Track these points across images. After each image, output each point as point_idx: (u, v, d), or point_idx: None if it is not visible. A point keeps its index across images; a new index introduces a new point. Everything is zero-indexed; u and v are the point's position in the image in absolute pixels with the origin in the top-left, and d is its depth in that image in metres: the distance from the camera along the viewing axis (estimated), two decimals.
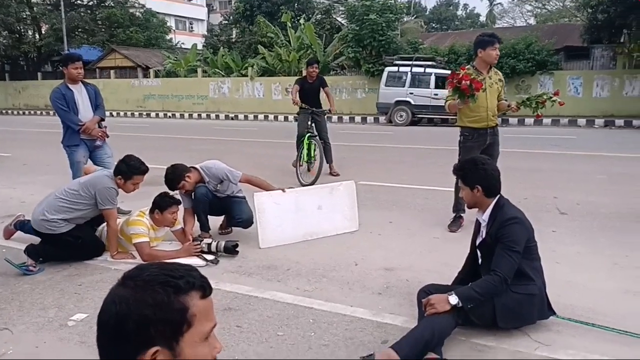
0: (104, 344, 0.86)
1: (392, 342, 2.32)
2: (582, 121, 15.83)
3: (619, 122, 15.34)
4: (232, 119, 21.00)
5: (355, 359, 2.29)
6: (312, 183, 6.06)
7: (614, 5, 15.39)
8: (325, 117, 7.31)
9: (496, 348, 2.41)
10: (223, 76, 23.86)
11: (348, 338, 2.53)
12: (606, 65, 18.38)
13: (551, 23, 29.24)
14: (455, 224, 4.44)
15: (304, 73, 7.56)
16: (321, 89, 7.19)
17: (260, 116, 20.82)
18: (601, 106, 17.03)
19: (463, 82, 3.89)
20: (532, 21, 35.49)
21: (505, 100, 4.45)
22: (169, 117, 22.68)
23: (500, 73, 4.46)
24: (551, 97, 4.13)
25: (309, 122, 6.87)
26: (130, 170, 3.69)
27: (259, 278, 3.38)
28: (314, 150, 6.76)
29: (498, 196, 2.70)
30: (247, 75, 22.84)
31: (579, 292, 3.08)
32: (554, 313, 2.60)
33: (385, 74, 16.89)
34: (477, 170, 2.70)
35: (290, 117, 19.85)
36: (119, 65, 27.54)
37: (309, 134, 6.71)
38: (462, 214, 4.43)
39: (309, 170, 6.81)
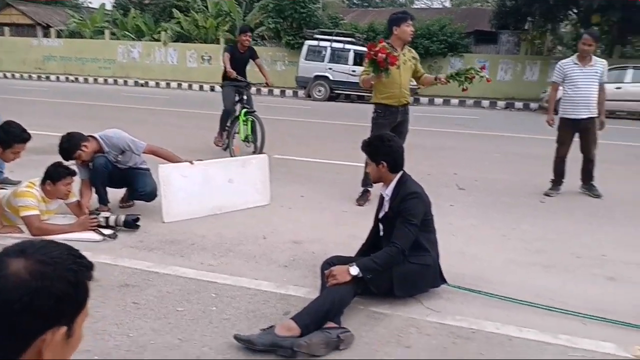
0: (7, 318, 0.79)
1: (294, 313, 2.35)
2: (485, 103, 16.87)
3: (519, 104, 16.56)
4: (142, 85, 19.84)
5: (254, 333, 2.29)
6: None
7: None
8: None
9: (392, 315, 2.53)
10: (133, 39, 22.41)
11: (250, 311, 2.53)
12: (511, 50, 19.69)
13: (465, 7, 30.58)
14: (363, 198, 4.57)
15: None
16: (251, 61, 6.66)
17: (173, 84, 19.89)
18: (504, 89, 18.24)
19: (379, 54, 3.93)
20: (447, 3, 36.91)
21: (431, 74, 4.60)
22: (72, 81, 20.91)
23: (413, 51, 4.54)
24: (479, 72, 4.23)
25: (237, 96, 6.37)
26: (9, 137, 3.36)
27: (160, 253, 3.26)
28: (252, 127, 6.21)
29: (401, 172, 2.80)
30: (159, 40, 21.63)
31: (470, 262, 3.31)
32: (445, 282, 2.78)
33: (305, 48, 16.79)
34: (383, 147, 2.77)
35: (206, 87, 19.20)
36: (16, 22, 24.86)
37: (245, 110, 6.16)
38: (369, 188, 4.57)
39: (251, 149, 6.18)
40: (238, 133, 6.25)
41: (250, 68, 6.65)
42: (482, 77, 4.23)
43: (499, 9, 18.36)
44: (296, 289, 2.78)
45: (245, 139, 6.17)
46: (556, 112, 5.29)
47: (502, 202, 4.87)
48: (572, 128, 5.11)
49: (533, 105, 16.11)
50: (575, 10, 16.98)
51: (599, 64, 5.01)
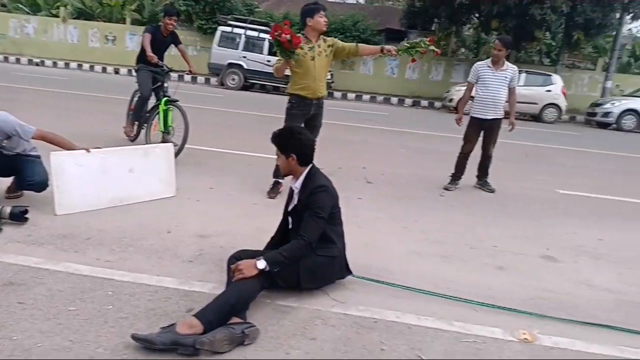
0: None
1: (198, 310, 2.27)
2: (394, 100, 17.59)
3: (424, 102, 17.46)
4: (37, 64, 18.16)
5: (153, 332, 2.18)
6: (176, 155, 5.01)
7: None
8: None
9: (298, 308, 2.54)
10: (28, 13, 20.38)
11: (150, 309, 2.41)
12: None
13: (377, 4, 31.51)
14: (274, 190, 4.55)
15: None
16: (173, 46, 6.12)
17: (73, 64, 18.42)
18: (411, 87, 19.15)
19: (283, 35, 3.87)
20: (361, 0, 37.75)
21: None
22: None
23: (329, 39, 4.44)
24: (429, 46, 4.25)
25: (155, 82, 5.84)
26: None
27: (52, 248, 2.99)
28: (172, 118, 5.66)
29: (311, 165, 2.80)
30: (58, 16, 19.86)
31: (375, 253, 3.43)
32: (350, 273, 2.85)
33: (218, 34, 16.34)
34: (293, 140, 2.76)
35: (110, 69, 18.01)
36: None
37: (166, 99, 5.62)
38: (280, 180, 4.55)
39: (164, 141, 5.43)
40: (156, 123, 5.74)
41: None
42: (432, 50, 4.27)
43: (409, 8, 19.16)
44: (201, 284, 2.70)
45: (165, 130, 5.63)
46: (456, 110, 5.62)
47: (406, 195, 5.10)
48: (479, 127, 5.47)
49: (437, 103, 17.07)
50: (477, 15, 18.20)
51: (510, 70, 5.40)
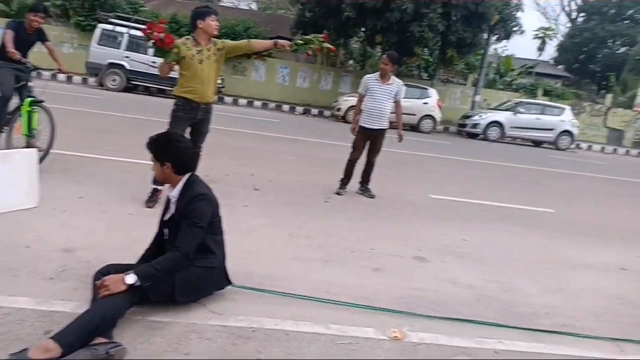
0: None
1: (56, 331, 2.07)
2: (286, 107, 17.80)
3: (315, 111, 17.90)
4: None
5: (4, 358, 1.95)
6: (41, 161, 4.58)
7: (318, 6, 17.66)
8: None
9: (172, 323, 2.43)
10: None
11: (0, 334, 2.14)
12: (309, 59, 21.10)
13: (269, 12, 31.73)
14: (152, 199, 4.32)
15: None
16: (40, 44, 5.50)
17: None
18: (302, 95, 19.53)
19: (155, 33, 3.78)
20: (254, 6, 37.70)
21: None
22: None
23: (219, 41, 4.29)
24: (322, 42, 4.24)
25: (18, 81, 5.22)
26: None
27: None
28: (37, 120, 5.11)
29: (190, 174, 2.71)
30: None
31: (259, 261, 3.41)
32: (230, 283, 2.80)
33: (98, 31, 15.24)
34: (169, 147, 2.64)
35: None
36: None
37: (30, 99, 5.06)
38: (160, 188, 4.34)
39: (28, 146, 4.92)
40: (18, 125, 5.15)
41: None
42: (326, 47, 4.30)
43: (299, 18, 19.53)
44: (63, 303, 2.46)
45: (29, 134, 5.08)
46: (344, 119, 5.84)
47: (293, 201, 5.16)
48: (366, 136, 5.74)
49: (327, 112, 17.59)
50: (364, 29, 19.12)
51: (396, 84, 5.73)
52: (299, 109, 17.87)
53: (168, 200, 2.77)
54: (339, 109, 15.85)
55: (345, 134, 5.91)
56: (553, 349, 2.68)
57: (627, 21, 33.14)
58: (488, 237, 4.77)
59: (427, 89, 16.94)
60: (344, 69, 22.18)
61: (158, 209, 4.13)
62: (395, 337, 2.58)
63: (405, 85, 16.11)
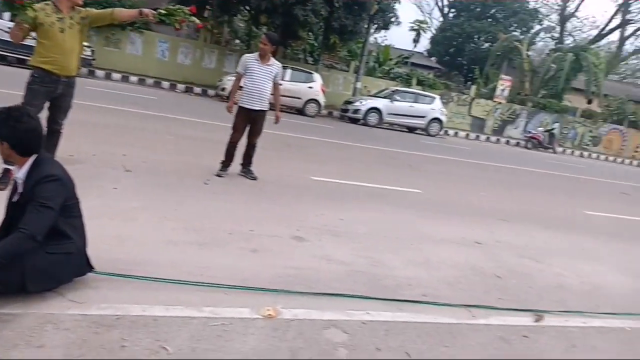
0: None
1: None
2: (166, 84, 16.89)
3: (198, 90, 17.23)
4: None
5: None
6: None
7: None
8: None
9: (23, 314, 2.20)
10: None
11: None
12: (191, 35, 20.19)
13: None
14: (3, 180, 3.85)
15: None
16: None
17: None
18: (184, 72, 18.66)
19: None
20: None
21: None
22: None
23: (83, 11, 3.99)
24: (189, 16, 4.03)
25: None
26: None
27: None
28: None
29: (37, 154, 2.44)
30: None
31: (127, 246, 3.21)
32: (92, 269, 2.60)
33: None
34: (6, 125, 2.35)
35: None
36: None
37: None
38: (10, 167, 3.86)
39: None
40: None
41: None
42: (192, 21, 4.11)
43: None
44: None
45: None
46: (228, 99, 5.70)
47: (168, 183, 4.94)
48: (247, 117, 5.63)
49: (211, 91, 17.06)
50: (248, 9, 18.76)
51: (275, 66, 5.66)
52: (181, 86, 17.06)
53: (15, 182, 2.48)
54: (223, 89, 15.44)
55: (229, 114, 5.76)
56: (414, 317, 2.92)
57: (490, 19, 36.73)
58: (362, 216, 5.03)
59: (312, 73, 17.21)
60: (228, 47, 21.61)
61: (10, 191, 3.71)
62: (269, 315, 2.62)
63: (292, 68, 16.44)
